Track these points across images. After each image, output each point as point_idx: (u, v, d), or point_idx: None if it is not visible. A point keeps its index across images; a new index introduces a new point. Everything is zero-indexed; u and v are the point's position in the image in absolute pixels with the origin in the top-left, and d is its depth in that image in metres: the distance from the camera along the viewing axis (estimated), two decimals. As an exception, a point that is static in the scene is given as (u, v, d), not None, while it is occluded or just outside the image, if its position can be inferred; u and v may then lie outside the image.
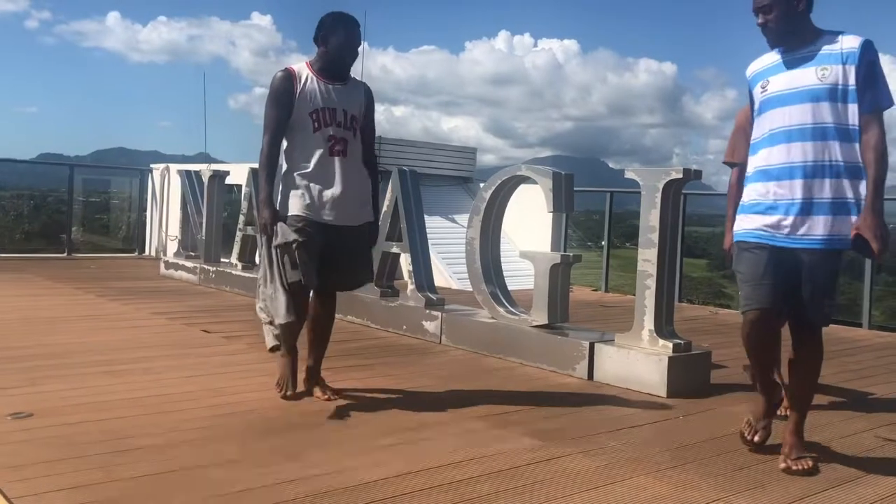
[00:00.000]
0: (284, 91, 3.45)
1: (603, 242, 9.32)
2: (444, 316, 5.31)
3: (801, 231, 2.77)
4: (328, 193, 3.45)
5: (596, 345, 4.38)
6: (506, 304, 5.08)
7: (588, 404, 3.85)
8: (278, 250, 3.41)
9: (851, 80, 2.71)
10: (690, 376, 4.18)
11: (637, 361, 4.18)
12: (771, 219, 2.81)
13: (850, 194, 2.74)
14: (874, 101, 2.74)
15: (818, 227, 2.75)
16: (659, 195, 4.21)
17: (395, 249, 5.77)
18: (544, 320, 4.73)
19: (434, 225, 8.05)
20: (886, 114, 2.79)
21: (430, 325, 5.43)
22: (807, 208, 2.76)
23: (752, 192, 2.90)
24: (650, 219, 4.26)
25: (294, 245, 3.38)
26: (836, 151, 2.73)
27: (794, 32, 2.83)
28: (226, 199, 8.78)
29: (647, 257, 4.27)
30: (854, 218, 2.72)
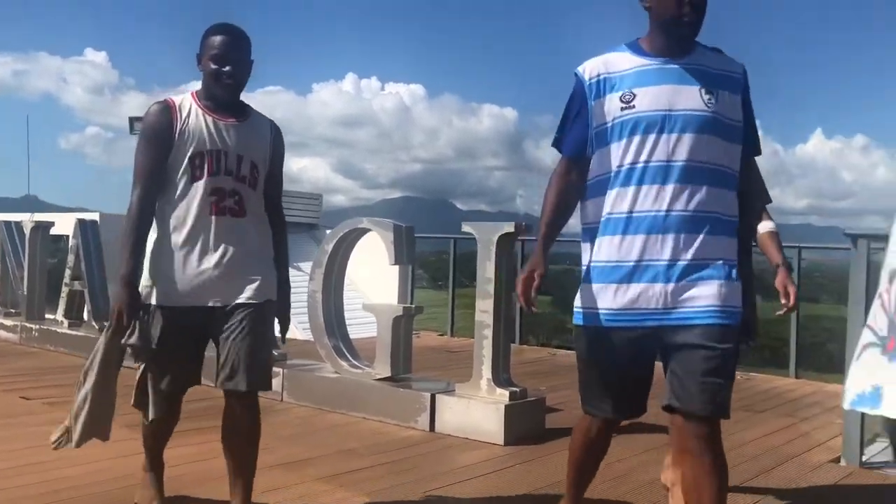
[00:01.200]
0: (159, 129, 2.60)
1: (449, 286, 9.50)
2: (285, 372, 5.22)
3: (684, 302, 2.10)
4: (211, 266, 2.59)
5: (437, 396, 4.46)
6: (349, 357, 5.07)
7: (430, 457, 3.91)
8: (129, 348, 2.64)
9: (738, 114, 2.16)
10: (527, 423, 4.35)
11: (476, 411, 4.29)
12: (637, 289, 2.12)
13: (733, 255, 2.16)
14: (757, 145, 2.26)
15: (706, 296, 2.09)
16: (493, 248, 4.38)
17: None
18: (387, 373, 4.76)
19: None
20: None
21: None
22: (690, 272, 2.09)
23: (606, 249, 2.16)
24: (486, 271, 4.42)
25: (151, 354, 2.63)
26: (723, 200, 2.13)
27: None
28: (51, 248, 8.24)
29: (484, 308, 4.42)
30: (739, 284, 2.14)
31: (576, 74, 2.22)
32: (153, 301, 2.61)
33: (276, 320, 2.81)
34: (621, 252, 2.13)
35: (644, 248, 2.10)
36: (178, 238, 2.60)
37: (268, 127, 2.79)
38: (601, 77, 2.17)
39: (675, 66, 2.12)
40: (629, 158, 2.11)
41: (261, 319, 2.64)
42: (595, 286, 2.19)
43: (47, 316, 7.85)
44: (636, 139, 2.10)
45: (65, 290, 7.40)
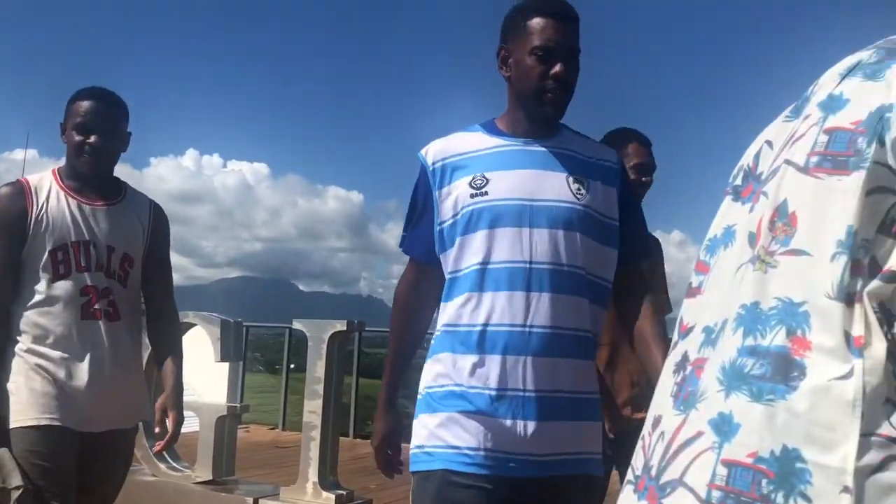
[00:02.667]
0: (10, 217, 2.16)
1: (283, 379, 9.25)
2: (96, 475, 4.86)
3: (540, 445, 1.66)
4: (83, 385, 2.16)
5: (261, 501, 4.30)
6: (168, 458, 4.80)
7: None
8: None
9: (614, 210, 1.76)
10: (353, 527, 4.26)
11: (301, 516, 4.17)
12: (493, 425, 1.65)
13: (596, 387, 1.78)
14: (642, 250, 1.86)
15: (564, 439, 1.69)
16: (324, 346, 4.35)
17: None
18: (208, 475, 4.55)
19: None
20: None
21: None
22: (557, 407, 1.67)
23: (444, 370, 1.72)
24: (316, 370, 4.37)
25: (16, 495, 2.07)
26: (588, 316, 1.72)
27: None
28: None
29: (313, 408, 4.35)
30: (597, 426, 1.77)
31: (419, 158, 1.83)
32: (12, 422, 2.13)
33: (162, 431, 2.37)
34: (474, 376, 1.66)
35: (502, 373, 1.64)
36: (38, 351, 2.15)
37: (146, 208, 2.39)
38: (448, 160, 1.76)
39: (539, 149, 1.73)
40: (480, 257, 1.67)
41: (129, 450, 2.39)
42: (437, 417, 1.69)
43: None
44: (490, 234, 1.67)
45: None
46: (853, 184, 0.87)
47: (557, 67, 1.67)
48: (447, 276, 1.76)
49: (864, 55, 0.95)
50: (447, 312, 1.74)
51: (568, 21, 1.69)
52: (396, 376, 1.92)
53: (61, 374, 2.16)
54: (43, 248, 2.17)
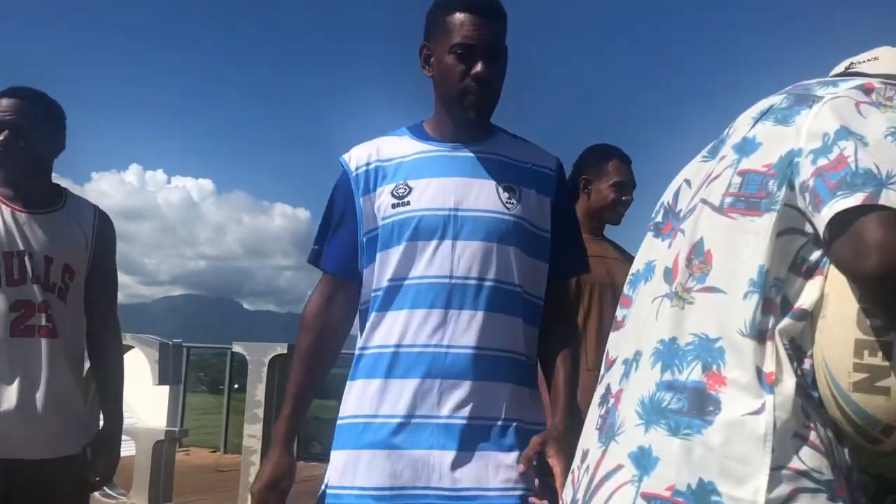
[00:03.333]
0: None
1: (224, 402, 9.08)
2: None
3: (457, 478, 1.47)
4: (12, 407, 1.96)
5: (198, 528, 4.21)
6: (102, 485, 4.67)
7: None
8: None
9: (547, 222, 1.61)
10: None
11: (239, 543, 4.09)
12: (405, 458, 1.48)
13: (533, 414, 1.57)
14: (574, 267, 1.68)
15: (487, 473, 1.48)
16: (265, 370, 4.31)
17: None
18: (144, 502, 4.43)
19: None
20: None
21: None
22: (480, 436, 1.49)
23: (358, 399, 1.55)
24: (256, 393, 4.32)
25: None
26: (522, 338, 1.55)
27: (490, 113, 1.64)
28: None
29: (252, 432, 4.29)
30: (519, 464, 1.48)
31: (341, 164, 1.67)
32: None
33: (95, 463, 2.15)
34: (384, 403, 1.49)
35: (415, 398, 1.48)
36: None
37: (90, 215, 2.19)
38: (371, 166, 1.61)
39: (467, 154, 1.59)
40: (399, 272, 1.53)
41: (68, 482, 2.07)
42: (343, 455, 1.53)
43: None
44: (410, 246, 1.53)
45: None
46: (765, 225, 0.90)
47: (478, 67, 1.52)
48: (368, 296, 1.59)
49: (775, 100, 1.00)
50: (363, 335, 1.58)
51: (491, 17, 1.55)
52: (299, 409, 1.61)
53: None
54: None
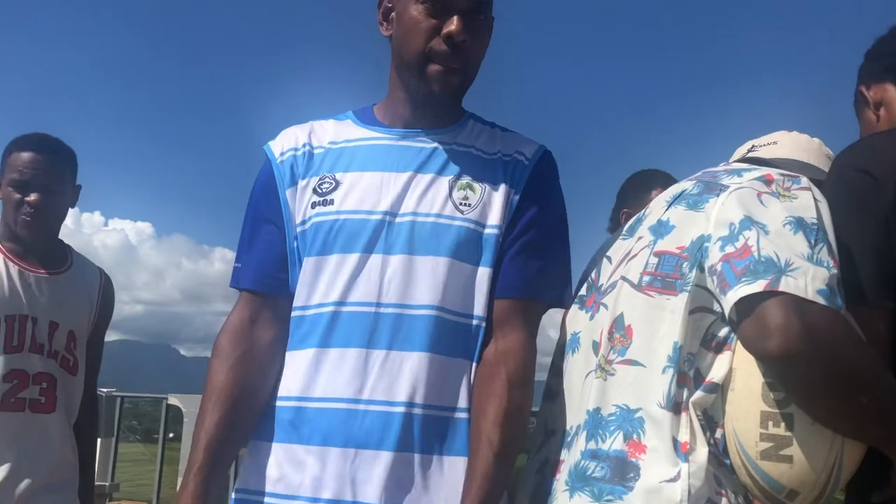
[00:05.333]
0: None
1: (158, 455, 8.84)
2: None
3: None
4: None
5: (128, 587, 4.08)
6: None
7: None
8: None
9: (504, 221, 1.20)
10: None
11: None
12: None
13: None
14: (533, 281, 1.16)
15: None
16: (202, 421, 4.24)
17: None
18: (72, 561, 4.28)
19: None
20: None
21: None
22: None
23: (248, 468, 1.20)
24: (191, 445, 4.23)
25: None
26: (462, 386, 1.13)
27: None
28: None
29: (188, 486, 4.20)
30: None
31: (264, 152, 1.31)
32: None
33: None
34: (282, 481, 1.14)
35: (320, 474, 1.11)
36: None
37: (96, 278, 2.03)
38: (300, 152, 1.26)
39: (419, 144, 1.22)
40: (315, 297, 1.17)
41: None
42: None
43: None
44: (323, 262, 1.17)
45: None
46: (679, 304, 0.97)
47: (453, 25, 1.14)
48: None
49: (687, 185, 1.08)
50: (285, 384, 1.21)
51: None
52: (213, 462, 1.16)
53: None
54: None
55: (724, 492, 0.94)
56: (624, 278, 1.06)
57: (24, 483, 1.81)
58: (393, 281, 1.13)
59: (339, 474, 1.09)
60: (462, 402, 1.12)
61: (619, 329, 1.03)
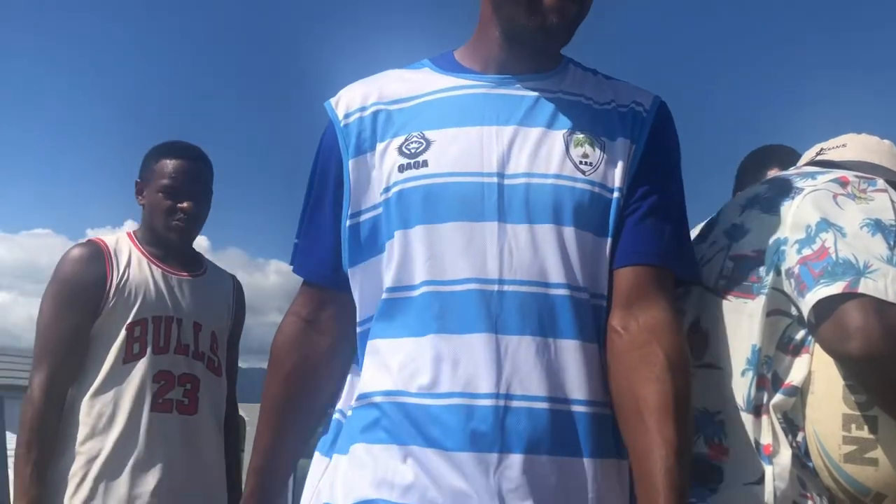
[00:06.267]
0: (85, 283, 1.80)
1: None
2: None
3: None
4: (148, 490, 1.76)
5: None
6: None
7: None
8: None
9: (625, 184, 1.01)
10: None
11: None
12: None
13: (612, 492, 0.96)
14: (670, 248, 1.00)
15: None
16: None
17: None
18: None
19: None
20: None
21: None
22: None
23: (322, 484, 1.03)
24: (257, 455, 4.30)
25: None
26: (599, 376, 0.96)
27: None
28: None
29: (253, 495, 4.27)
30: None
31: (325, 110, 1.11)
32: None
33: None
34: (383, 488, 0.95)
35: (446, 480, 0.93)
36: (100, 446, 1.75)
37: (229, 284, 2.04)
38: (368, 111, 1.07)
39: (520, 92, 1.04)
40: (406, 274, 0.99)
41: None
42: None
43: None
44: (426, 232, 0.98)
45: None
46: (757, 307, 0.98)
47: None
48: (366, 313, 1.06)
49: (760, 189, 1.09)
50: (348, 380, 1.09)
51: None
52: (271, 467, 1.12)
53: (124, 477, 1.75)
54: (119, 323, 1.79)
55: (809, 494, 0.95)
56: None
57: (177, 484, 1.79)
58: (515, 255, 0.95)
59: (475, 479, 0.90)
60: (602, 394, 0.94)
61: (696, 332, 1.04)
